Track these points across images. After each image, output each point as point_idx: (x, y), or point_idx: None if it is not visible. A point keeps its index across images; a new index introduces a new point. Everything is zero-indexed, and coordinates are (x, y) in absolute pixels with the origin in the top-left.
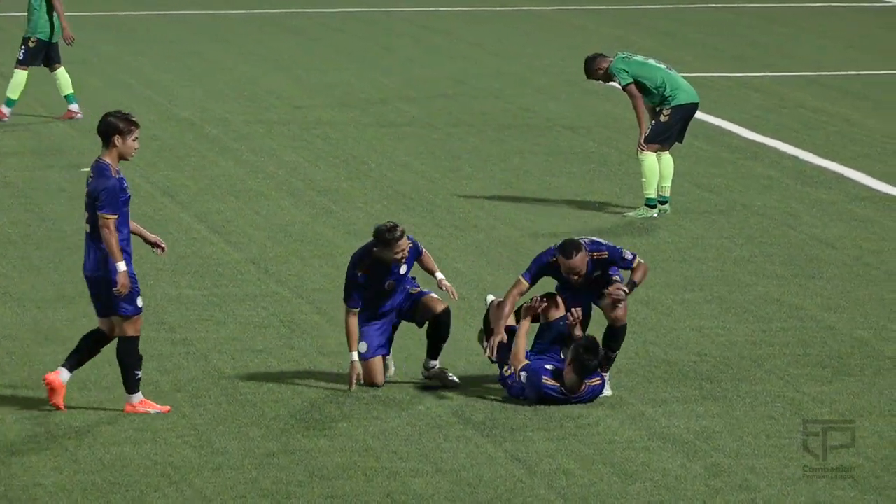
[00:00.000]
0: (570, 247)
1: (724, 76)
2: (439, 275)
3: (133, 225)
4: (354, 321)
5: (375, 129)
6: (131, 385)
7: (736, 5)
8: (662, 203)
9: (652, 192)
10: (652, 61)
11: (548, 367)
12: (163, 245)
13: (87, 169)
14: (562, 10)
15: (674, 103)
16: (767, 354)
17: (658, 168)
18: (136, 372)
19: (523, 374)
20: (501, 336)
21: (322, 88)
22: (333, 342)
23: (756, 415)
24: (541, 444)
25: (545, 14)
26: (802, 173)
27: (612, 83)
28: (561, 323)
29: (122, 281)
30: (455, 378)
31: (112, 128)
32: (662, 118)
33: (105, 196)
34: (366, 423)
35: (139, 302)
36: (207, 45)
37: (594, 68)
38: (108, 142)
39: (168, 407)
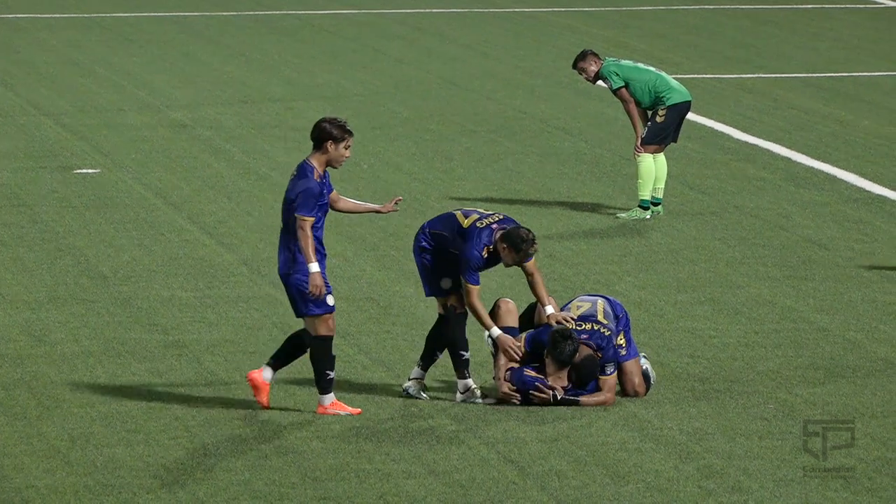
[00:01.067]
0: (568, 353)
1: (716, 78)
2: (549, 309)
3: (354, 204)
4: (479, 299)
5: (367, 131)
6: (323, 386)
7: (728, 7)
8: (656, 204)
9: (646, 194)
10: (641, 65)
11: (532, 365)
12: (398, 199)
13: (84, 171)
14: (554, 11)
15: (669, 103)
16: (760, 356)
17: (654, 170)
18: (328, 372)
19: (508, 373)
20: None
21: (314, 90)
22: None
23: (749, 416)
24: (533, 446)
25: (537, 16)
26: (795, 175)
27: (600, 83)
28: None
29: (316, 282)
30: (425, 395)
31: (326, 134)
32: (658, 119)
33: (303, 197)
34: (358, 424)
35: (329, 300)
36: (199, 46)
37: (584, 65)
38: (319, 146)
39: (359, 410)
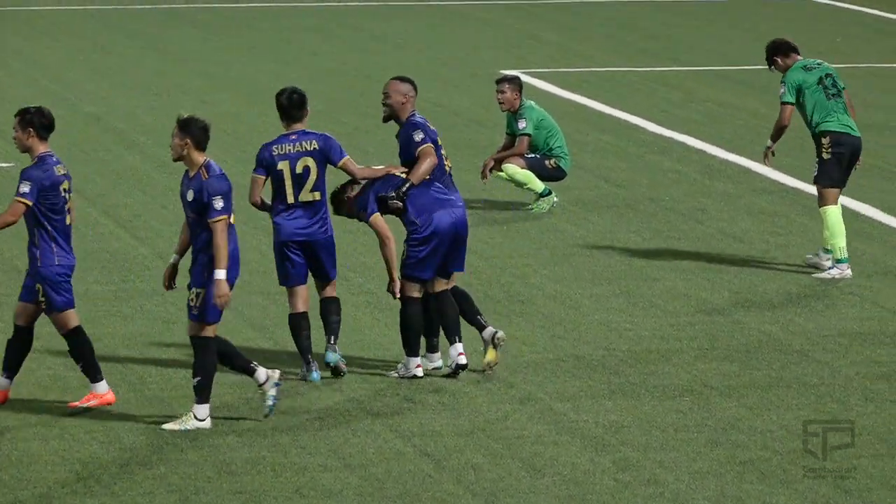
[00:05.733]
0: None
1: (630, 70)
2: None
3: None
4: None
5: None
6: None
7: None
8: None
9: (538, 185)
10: (548, 115)
11: None
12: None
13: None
14: (468, 3)
15: (561, 164)
16: (675, 349)
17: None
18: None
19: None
20: None
21: (228, 82)
22: (241, 339)
23: (664, 409)
24: (449, 440)
25: (450, 7)
26: (710, 167)
27: (509, 112)
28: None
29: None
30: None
31: None
32: (548, 164)
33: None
34: (274, 418)
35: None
36: (114, 39)
37: (510, 90)
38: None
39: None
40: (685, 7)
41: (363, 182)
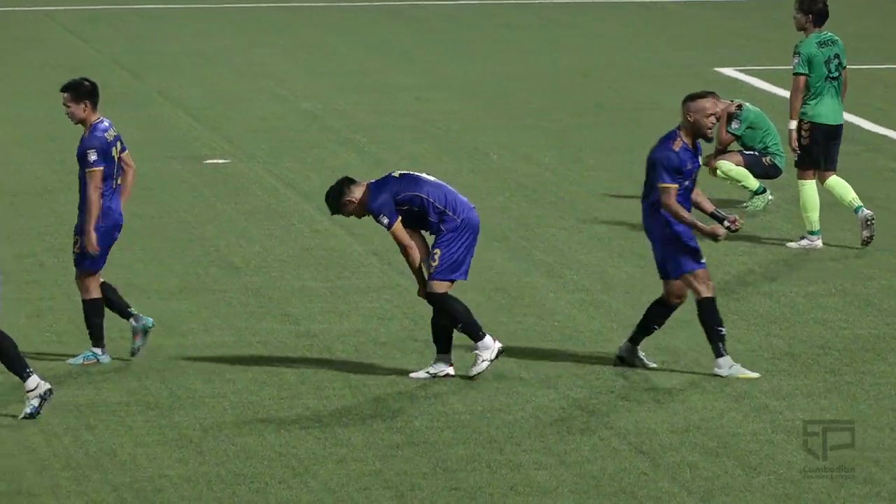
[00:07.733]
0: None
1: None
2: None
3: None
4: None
5: (497, 121)
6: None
7: None
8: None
9: (753, 182)
10: (763, 115)
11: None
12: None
13: (215, 161)
14: (681, 2)
15: (777, 162)
16: (891, 348)
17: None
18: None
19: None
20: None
21: (442, 80)
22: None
23: (880, 408)
24: (665, 437)
25: (664, 6)
26: None
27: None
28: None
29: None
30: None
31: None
32: (764, 161)
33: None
34: (489, 415)
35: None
36: (329, 37)
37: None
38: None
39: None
40: None
41: (361, 182)
